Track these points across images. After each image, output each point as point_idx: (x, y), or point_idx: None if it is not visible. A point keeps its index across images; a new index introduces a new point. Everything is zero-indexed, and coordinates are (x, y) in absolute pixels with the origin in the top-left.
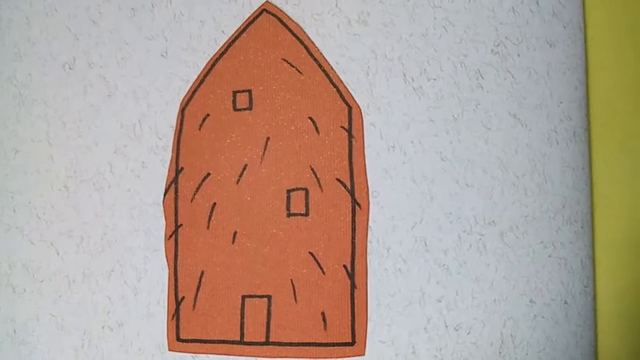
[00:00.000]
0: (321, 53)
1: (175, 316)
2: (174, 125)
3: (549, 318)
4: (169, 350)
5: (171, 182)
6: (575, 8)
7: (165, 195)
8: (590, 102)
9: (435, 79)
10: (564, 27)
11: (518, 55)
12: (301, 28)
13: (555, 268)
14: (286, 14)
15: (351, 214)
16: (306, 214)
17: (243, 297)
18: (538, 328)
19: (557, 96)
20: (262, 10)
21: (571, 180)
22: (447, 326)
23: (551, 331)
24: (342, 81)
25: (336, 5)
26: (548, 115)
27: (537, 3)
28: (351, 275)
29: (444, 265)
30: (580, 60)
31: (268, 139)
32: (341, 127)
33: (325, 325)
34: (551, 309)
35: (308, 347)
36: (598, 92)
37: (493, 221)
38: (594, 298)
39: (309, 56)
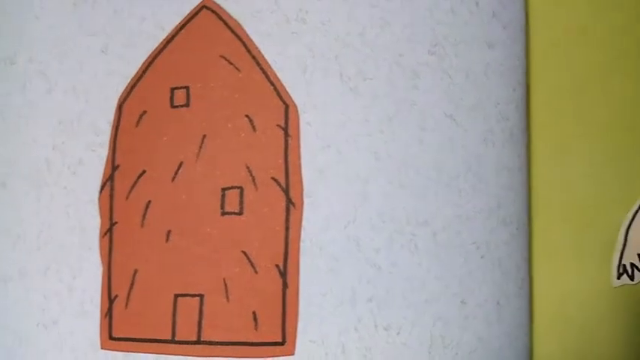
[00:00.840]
0: (259, 51)
1: (108, 314)
2: (112, 122)
3: (481, 319)
4: (102, 349)
5: (107, 179)
6: (517, 9)
7: (100, 192)
8: (531, 103)
9: (371, 79)
10: (504, 28)
11: (456, 56)
12: (240, 25)
13: (489, 268)
14: (226, 11)
15: (285, 213)
16: (240, 213)
17: (176, 296)
18: (469, 328)
19: (495, 97)
20: (202, 7)
21: (507, 181)
22: (376, 326)
23: (483, 331)
24: (279, 79)
25: (276, 3)
26: (485, 116)
27: (477, 4)
28: (284, 274)
29: (375, 264)
30: (519, 61)
31: (205, 136)
32: (277, 125)
33: (256, 324)
34: (484, 310)
35: (238, 346)
36: (539, 93)
37: (426, 221)
38: (530, 299)
39: (248, 54)
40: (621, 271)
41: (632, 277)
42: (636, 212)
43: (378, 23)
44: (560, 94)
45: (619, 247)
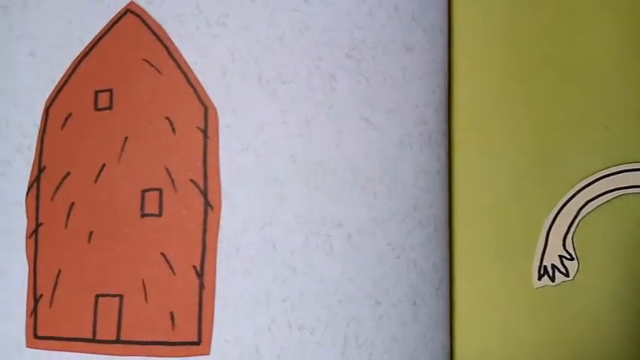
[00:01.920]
0: (180, 54)
1: (33, 313)
2: (39, 124)
3: (396, 319)
4: (27, 347)
5: (34, 181)
6: (438, 13)
7: (27, 194)
8: (454, 106)
9: (289, 82)
10: (424, 31)
11: (374, 59)
12: (163, 28)
13: (404, 269)
14: (149, 15)
15: (203, 215)
16: (160, 215)
17: (97, 296)
18: (383, 328)
19: (413, 100)
20: (126, 11)
21: (424, 183)
22: (290, 326)
23: (397, 331)
24: (199, 82)
25: (197, 6)
26: (402, 119)
27: (396, 8)
28: (200, 276)
29: (290, 265)
30: (440, 64)
31: (126, 138)
32: (197, 127)
33: (173, 324)
34: (398, 310)
35: (156, 346)
36: (461, 96)
37: (341, 223)
38: (451, 300)
39: (169, 57)
40: (542, 272)
41: (553, 279)
42: (557, 214)
43: (298, 27)
44: (483, 96)
45: (540, 248)
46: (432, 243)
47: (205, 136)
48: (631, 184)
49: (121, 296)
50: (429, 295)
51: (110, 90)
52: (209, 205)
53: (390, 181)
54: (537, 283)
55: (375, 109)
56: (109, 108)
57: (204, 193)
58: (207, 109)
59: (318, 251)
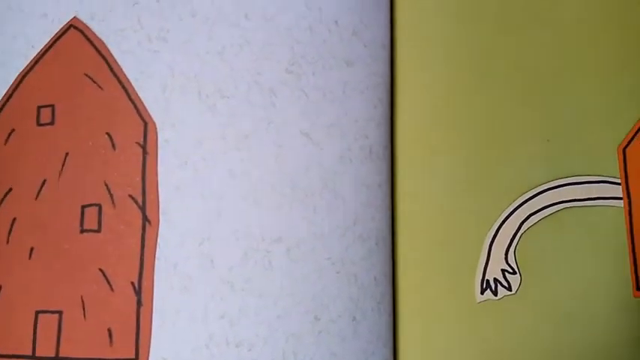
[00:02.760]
0: (121, 69)
1: None
2: None
3: (335, 335)
4: None
5: None
6: (379, 28)
7: None
8: (397, 120)
9: (228, 97)
10: (365, 46)
11: (314, 74)
12: (105, 44)
13: (344, 284)
14: (92, 30)
15: (141, 230)
16: (99, 231)
17: (37, 312)
18: (322, 344)
19: (354, 114)
20: (70, 26)
21: (365, 197)
22: (228, 343)
23: (336, 347)
24: (139, 97)
25: (139, 22)
26: (343, 134)
27: (336, 22)
28: (138, 292)
29: (228, 281)
30: (382, 79)
31: (67, 154)
32: (136, 143)
33: (111, 340)
34: (338, 325)
35: None
36: (404, 110)
37: (280, 238)
38: (395, 315)
39: (110, 72)
40: (485, 286)
41: (495, 293)
42: (499, 227)
43: (238, 42)
44: (426, 110)
45: (482, 262)
46: (373, 257)
47: (144, 152)
48: (572, 198)
49: (60, 312)
50: (370, 309)
51: (52, 105)
52: (147, 221)
53: (330, 195)
54: (480, 298)
55: (315, 124)
56: (51, 123)
57: (143, 209)
58: (146, 125)
59: (256, 267)
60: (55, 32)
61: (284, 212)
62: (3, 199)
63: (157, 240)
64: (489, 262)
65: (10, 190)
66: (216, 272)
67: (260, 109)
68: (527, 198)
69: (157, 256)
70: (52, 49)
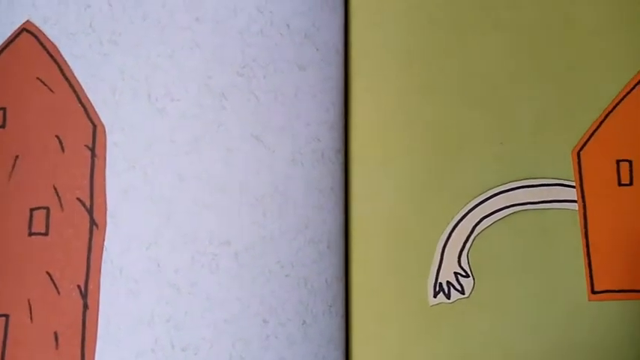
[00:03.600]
0: (72, 72)
1: None
2: None
3: (284, 338)
4: None
5: None
6: (332, 31)
7: None
8: (352, 123)
9: (178, 100)
10: (317, 50)
11: (265, 77)
12: (57, 47)
13: (294, 287)
14: (44, 34)
15: (88, 234)
16: (46, 234)
17: None
18: (270, 348)
19: (305, 118)
20: (22, 30)
21: (316, 201)
22: (173, 347)
23: (285, 351)
24: (89, 100)
25: (91, 25)
26: (294, 137)
27: (288, 26)
28: (84, 296)
29: (175, 285)
30: (335, 82)
31: (17, 157)
32: (85, 146)
33: (57, 344)
34: (287, 329)
35: None
36: (359, 114)
37: (228, 241)
38: (347, 318)
39: (62, 75)
40: (438, 289)
41: (448, 296)
42: (452, 230)
43: (189, 45)
44: (381, 113)
45: (435, 265)
46: (324, 260)
47: (93, 155)
48: (526, 201)
49: (7, 316)
50: (321, 313)
51: (4, 108)
52: (95, 224)
53: (281, 199)
54: (433, 301)
55: (266, 127)
56: (3, 126)
57: (90, 212)
58: (95, 127)
59: (203, 270)
60: (8, 36)
61: (233, 216)
62: None
63: (104, 243)
64: (442, 266)
65: None
66: (162, 276)
67: (210, 112)
68: (480, 201)
69: (103, 259)
70: (4, 53)
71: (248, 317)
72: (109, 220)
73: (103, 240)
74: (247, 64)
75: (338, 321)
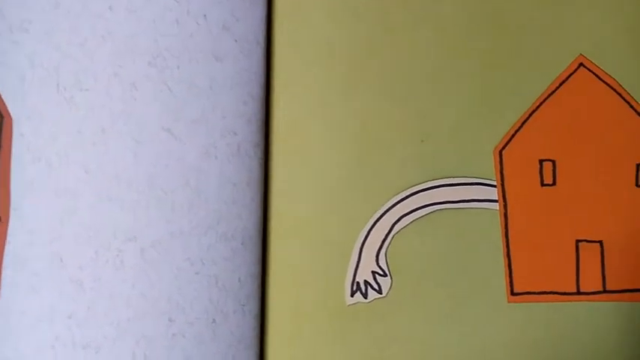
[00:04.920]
0: None
1: None
2: None
3: (192, 337)
4: None
5: None
6: (253, 23)
7: None
8: (273, 118)
9: (87, 90)
10: (235, 41)
11: (178, 68)
12: None
13: (204, 285)
14: None
15: None
16: None
17: None
18: (177, 347)
19: (221, 110)
20: None
21: (230, 195)
22: (74, 344)
23: (192, 350)
24: None
25: (0, 12)
26: (208, 130)
27: (205, 16)
28: None
29: (77, 280)
30: (254, 75)
31: None
32: None
33: None
34: (195, 328)
35: None
36: (281, 108)
37: (135, 237)
38: (263, 317)
39: None
40: (355, 288)
41: (365, 296)
42: (371, 228)
43: (100, 34)
44: (303, 108)
45: (353, 264)
46: (238, 257)
47: None
48: (445, 200)
49: None
50: (232, 311)
51: None
52: None
53: (192, 193)
54: (350, 300)
55: (178, 119)
56: None
57: None
58: (2, 118)
59: (107, 266)
60: None
61: (140, 210)
62: None
63: (5, 237)
64: (360, 264)
65: None
66: (65, 271)
67: (119, 103)
68: (399, 199)
69: (5, 252)
70: None
71: (153, 315)
72: (12, 213)
73: (5, 233)
74: (160, 54)
75: (251, 320)
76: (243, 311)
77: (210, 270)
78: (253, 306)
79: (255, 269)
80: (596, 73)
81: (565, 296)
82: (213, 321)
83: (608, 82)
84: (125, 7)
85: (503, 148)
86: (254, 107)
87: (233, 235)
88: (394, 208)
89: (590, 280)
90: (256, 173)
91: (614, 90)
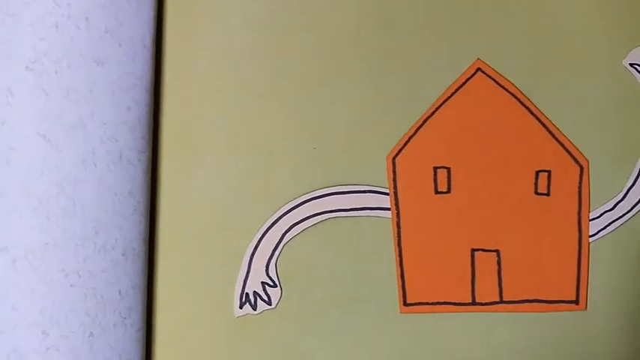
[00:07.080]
0: None
1: None
2: None
3: (67, 351)
4: None
5: None
6: (139, 26)
7: None
8: (163, 125)
9: None
10: (119, 45)
11: (57, 73)
12: None
13: (80, 298)
14: None
15: None
16: None
17: None
18: None
19: (101, 116)
20: None
21: (110, 205)
22: None
23: None
24: None
25: None
26: (86, 136)
27: (87, 19)
28: None
29: None
30: (139, 80)
31: None
32: None
33: None
34: (70, 341)
35: None
36: (169, 115)
37: (6, 247)
38: (149, 329)
39: None
40: (244, 300)
41: (254, 307)
42: (261, 238)
43: None
44: (193, 115)
45: (242, 275)
46: (118, 269)
47: None
48: (337, 208)
49: None
50: (112, 325)
51: None
52: None
53: (68, 202)
54: (239, 312)
55: (55, 125)
56: None
57: None
58: None
59: None
60: None
61: (13, 219)
62: None
63: None
64: (250, 275)
65: None
66: None
67: None
68: (290, 207)
69: None
70: None
71: (25, 328)
72: None
73: None
74: (38, 59)
75: (133, 333)
76: (125, 324)
77: (86, 282)
78: (136, 319)
79: (139, 281)
80: (495, 78)
81: (460, 307)
82: (91, 334)
83: (507, 87)
84: (3, 10)
85: (397, 155)
86: (139, 113)
87: (113, 246)
88: (285, 216)
89: (486, 291)
90: (140, 182)
91: (514, 95)
